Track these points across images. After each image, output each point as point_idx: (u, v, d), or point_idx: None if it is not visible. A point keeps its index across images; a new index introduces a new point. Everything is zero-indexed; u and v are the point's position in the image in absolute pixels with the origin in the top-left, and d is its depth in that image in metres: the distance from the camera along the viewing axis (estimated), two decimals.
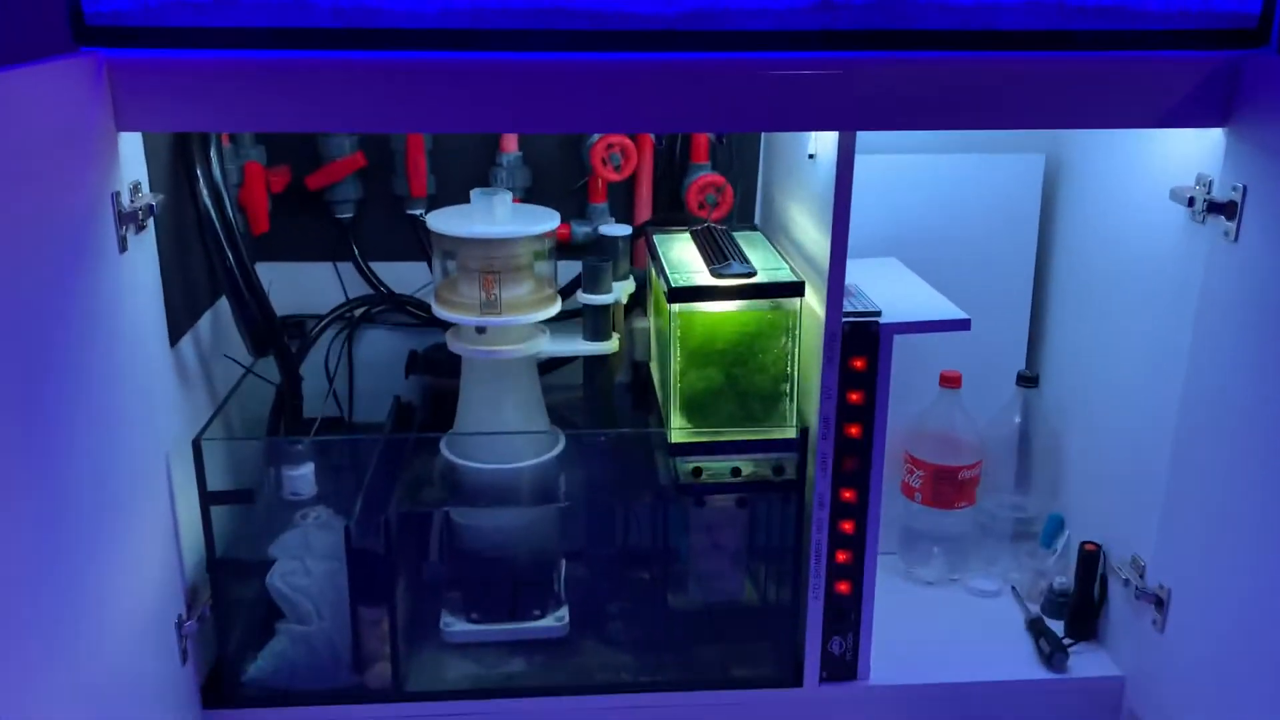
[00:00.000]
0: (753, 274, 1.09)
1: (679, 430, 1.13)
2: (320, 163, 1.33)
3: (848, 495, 1.13)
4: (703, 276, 1.11)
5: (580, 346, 1.24)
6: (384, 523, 1.12)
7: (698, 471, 1.13)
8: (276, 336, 1.18)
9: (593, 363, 1.26)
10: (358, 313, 1.41)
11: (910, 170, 1.35)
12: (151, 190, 1.04)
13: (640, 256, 1.39)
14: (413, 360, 1.41)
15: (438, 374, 1.37)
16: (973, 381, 1.35)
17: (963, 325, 1.12)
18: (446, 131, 1.14)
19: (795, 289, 1.09)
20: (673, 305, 1.10)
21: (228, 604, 1.15)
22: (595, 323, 1.24)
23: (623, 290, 1.26)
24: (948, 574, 1.40)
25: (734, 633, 1.24)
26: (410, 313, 1.41)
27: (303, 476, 1.22)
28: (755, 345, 1.11)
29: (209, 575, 1.13)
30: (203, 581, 1.14)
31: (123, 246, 0.97)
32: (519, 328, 1.20)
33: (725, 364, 1.12)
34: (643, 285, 1.36)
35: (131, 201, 0.99)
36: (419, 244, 1.39)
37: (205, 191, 1.10)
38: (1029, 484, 1.39)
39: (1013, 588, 1.38)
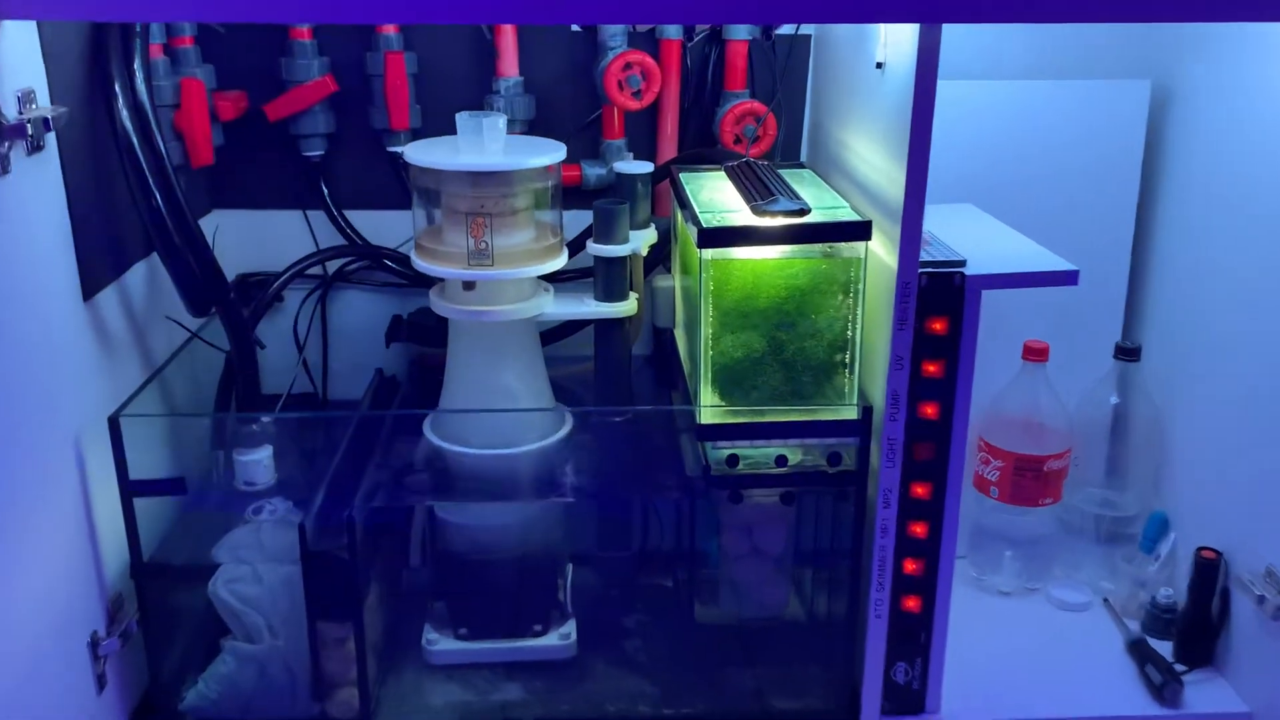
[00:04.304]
0: (806, 211, 0.88)
1: (711, 409, 0.94)
2: (282, 88, 1.12)
3: (920, 491, 0.94)
4: (742, 216, 0.90)
5: (591, 308, 1.05)
6: (348, 520, 0.92)
7: (734, 460, 0.94)
8: (219, 292, 0.98)
9: (606, 328, 1.07)
10: (331, 270, 1.21)
11: (989, 99, 1.16)
12: (53, 102, 0.84)
13: (663, 204, 1.18)
14: (395, 326, 1.22)
15: (425, 342, 1.20)
16: (1061, 354, 1.16)
17: (1068, 279, 0.92)
18: (426, 21, 0.93)
19: (860, 230, 0.88)
20: (704, 251, 0.89)
21: (160, 617, 0.97)
22: (608, 279, 1.04)
23: (642, 240, 1.07)
24: (1026, 582, 1.21)
25: (775, 655, 1.09)
26: (392, 269, 1.20)
27: (257, 462, 1.05)
28: (807, 303, 0.91)
29: (134, 583, 0.94)
30: (129, 591, 0.96)
31: (4, 167, 0.76)
32: (515, 284, 1.01)
33: (769, 326, 0.91)
34: (666, 238, 1.16)
35: (20, 113, 0.79)
36: (402, 187, 1.19)
37: (125, 111, 0.90)
38: (1125, 476, 1.20)
39: (1105, 599, 1.19)
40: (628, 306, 1.05)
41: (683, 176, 1.06)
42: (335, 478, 0.99)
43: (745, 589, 1.08)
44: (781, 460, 0.94)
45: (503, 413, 1.03)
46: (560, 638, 1.07)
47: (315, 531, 0.94)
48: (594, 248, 1.03)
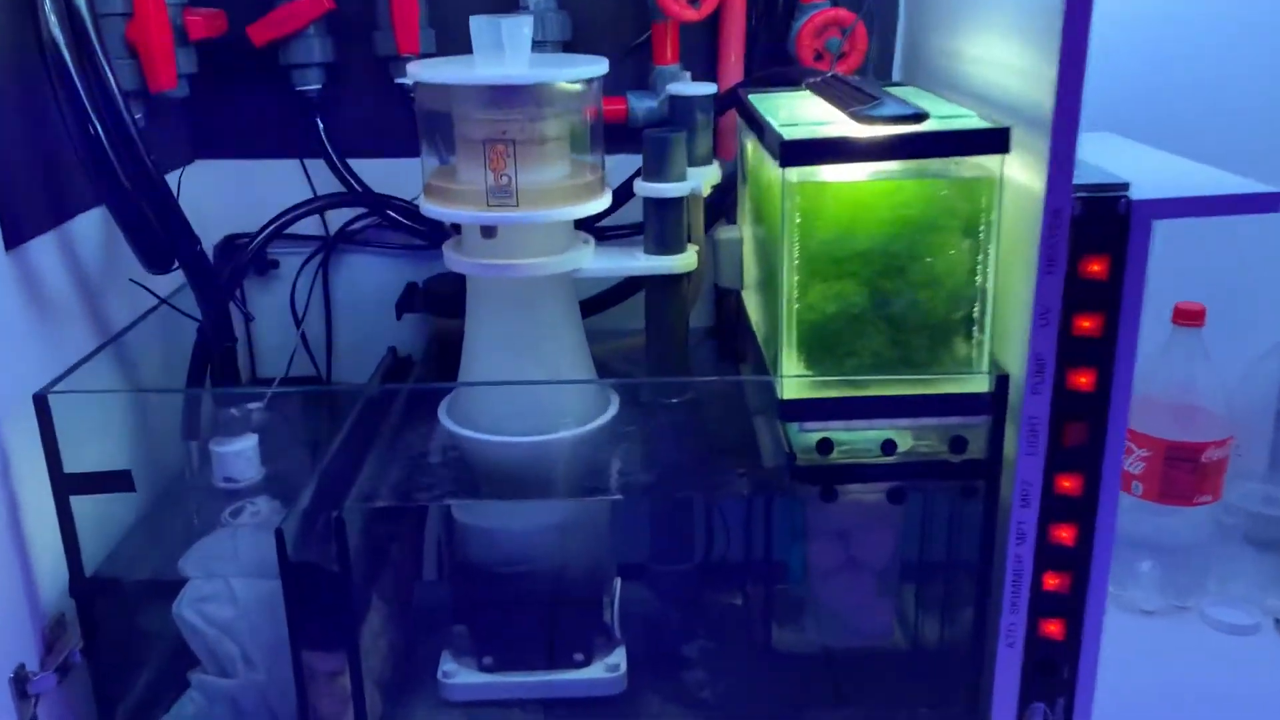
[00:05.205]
0: (922, 116, 0.68)
1: (796, 380, 0.74)
2: (269, 6, 0.95)
3: (1068, 485, 0.74)
4: (837, 127, 0.70)
5: (640, 263, 0.86)
6: (336, 523, 0.74)
7: (826, 446, 0.74)
8: (183, 244, 0.80)
9: (659, 288, 0.89)
10: (333, 230, 1.04)
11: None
12: None
13: (728, 144, 0.99)
14: (409, 295, 1.05)
15: (445, 313, 1.02)
16: (1219, 318, 0.97)
17: (1268, 204, 0.70)
18: None
19: (995, 140, 0.68)
20: (787, 172, 0.69)
21: (110, 646, 0.81)
22: (662, 226, 0.85)
23: (703, 179, 0.88)
24: (1175, 599, 1.01)
25: (875, 693, 0.90)
26: (403, 224, 1.03)
27: (238, 454, 0.89)
28: (921, 241, 0.71)
29: (76, 603, 0.78)
30: (71, 613, 0.79)
31: None
32: (547, 231, 0.82)
33: (871, 273, 0.72)
34: (730, 184, 0.96)
35: None
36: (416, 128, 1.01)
37: (53, 16, 0.72)
38: None
39: (1276, 620, 0.99)
40: (686, 260, 0.86)
41: (753, 99, 0.87)
42: (328, 473, 0.82)
43: (837, 610, 0.91)
44: (889, 446, 0.75)
45: (534, 388, 0.85)
46: (607, 669, 0.89)
47: (300, 538, 0.76)
48: (644, 187, 0.84)
